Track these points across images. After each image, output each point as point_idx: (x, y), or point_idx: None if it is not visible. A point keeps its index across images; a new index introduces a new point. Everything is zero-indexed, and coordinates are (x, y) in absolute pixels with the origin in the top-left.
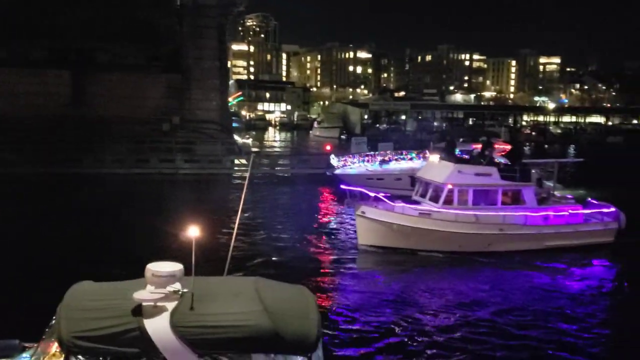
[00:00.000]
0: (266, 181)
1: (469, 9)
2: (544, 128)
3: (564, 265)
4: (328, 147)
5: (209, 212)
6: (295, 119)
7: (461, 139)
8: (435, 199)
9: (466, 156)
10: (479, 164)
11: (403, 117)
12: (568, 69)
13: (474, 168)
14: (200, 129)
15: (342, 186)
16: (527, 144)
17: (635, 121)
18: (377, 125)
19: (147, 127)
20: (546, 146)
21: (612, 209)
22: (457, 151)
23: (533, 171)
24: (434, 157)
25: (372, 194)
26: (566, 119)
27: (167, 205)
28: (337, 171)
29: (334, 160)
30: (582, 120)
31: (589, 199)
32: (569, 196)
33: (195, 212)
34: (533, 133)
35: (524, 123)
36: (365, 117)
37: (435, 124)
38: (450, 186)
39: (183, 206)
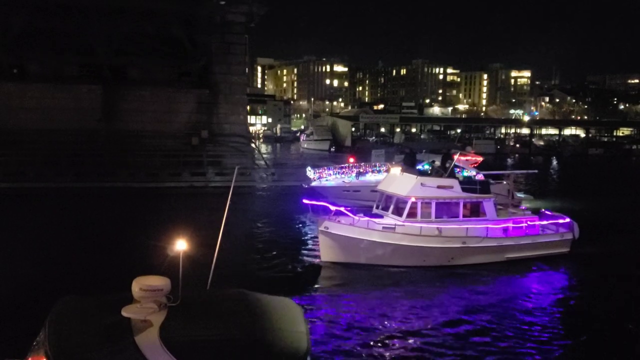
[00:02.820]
0: (249, 193)
1: (441, 24)
2: (528, 140)
3: (524, 278)
4: (352, 160)
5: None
6: (279, 132)
7: (423, 151)
8: (398, 212)
9: (423, 168)
10: (440, 176)
11: (392, 129)
12: (537, 83)
13: (436, 180)
14: (228, 143)
15: (305, 201)
16: (513, 155)
17: (613, 134)
18: (366, 137)
19: (178, 141)
20: (532, 158)
21: (567, 220)
22: (425, 165)
23: (504, 182)
24: (395, 170)
25: (333, 208)
26: (543, 131)
27: (196, 217)
28: (314, 183)
29: (310, 172)
30: (558, 133)
31: (543, 209)
32: (523, 207)
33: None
34: (517, 145)
35: (501, 135)
36: (353, 129)
37: (423, 136)
38: (413, 199)
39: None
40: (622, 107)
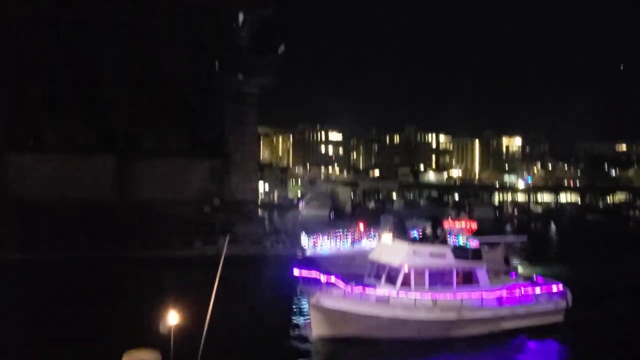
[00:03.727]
0: (260, 261)
1: (431, 92)
2: (526, 207)
3: (518, 350)
4: (362, 226)
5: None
6: (276, 199)
7: (414, 218)
8: (391, 280)
9: (416, 235)
10: (431, 243)
11: (389, 195)
12: (527, 149)
13: (428, 248)
14: (240, 210)
15: (295, 271)
16: (512, 221)
17: (608, 200)
18: (365, 204)
19: (190, 209)
20: (531, 224)
21: (560, 288)
22: (414, 233)
23: (500, 249)
24: (387, 237)
25: (324, 279)
26: (539, 197)
27: (200, 287)
28: (308, 252)
29: (304, 240)
30: (554, 199)
31: (536, 275)
32: (513, 275)
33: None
34: (515, 211)
35: (498, 201)
36: (352, 196)
37: (422, 202)
38: (406, 267)
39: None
40: (613, 173)
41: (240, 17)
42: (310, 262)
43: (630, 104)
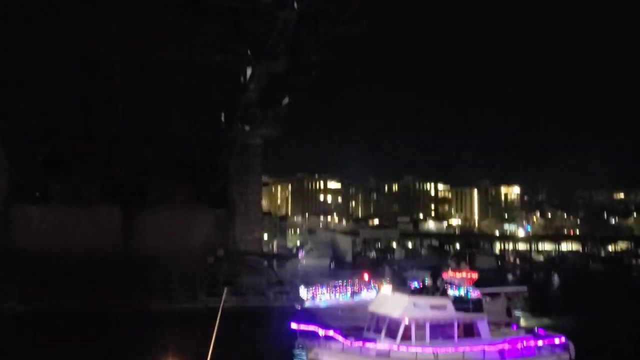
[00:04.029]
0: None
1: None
2: (528, 256)
3: None
4: (366, 276)
5: None
6: (275, 248)
7: (414, 269)
8: (391, 334)
9: (417, 286)
10: (432, 295)
11: (389, 244)
12: (526, 198)
13: (429, 300)
14: (243, 261)
15: (292, 325)
16: (514, 271)
17: (610, 248)
18: (366, 253)
19: (194, 260)
20: (534, 274)
21: (563, 340)
22: (414, 284)
23: (502, 299)
24: (387, 289)
25: (322, 332)
26: (540, 246)
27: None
28: (307, 304)
29: (303, 292)
30: (555, 247)
31: (538, 327)
32: (514, 326)
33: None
34: (518, 261)
35: (499, 250)
36: (353, 245)
37: (423, 252)
38: (407, 320)
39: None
40: (613, 221)
41: (248, 71)
42: (309, 315)
43: (627, 152)
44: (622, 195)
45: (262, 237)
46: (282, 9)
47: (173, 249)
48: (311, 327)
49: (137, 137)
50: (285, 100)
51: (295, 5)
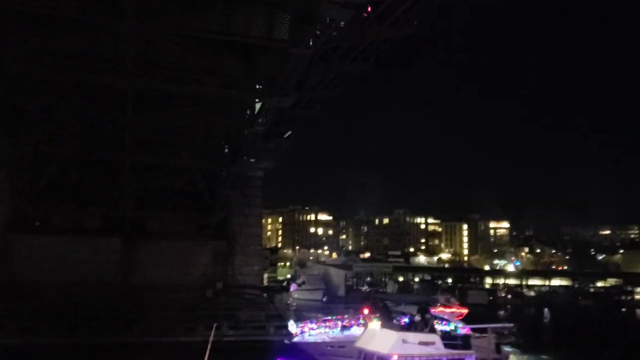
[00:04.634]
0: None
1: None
2: (519, 291)
3: None
4: (366, 311)
5: None
6: (266, 281)
7: (403, 304)
8: None
9: (404, 322)
10: (420, 331)
11: (380, 278)
12: (514, 233)
13: (417, 336)
14: (242, 295)
15: None
16: (505, 306)
17: (599, 284)
18: (359, 287)
19: (192, 293)
20: (525, 309)
21: None
22: (405, 319)
23: (491, 336)
24: (375, 324)
25: None
26: (530, 281)
27: None
28: (296, 338)
29: (292, 326)
30: (544, 283)
31: None
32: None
33: None
34: (509, 296)
35: (488, 285)
36: (345, 278)
37: (416, 286)
38: (395, 357)
39: None
40: (600, 257)
41: (257, 105)
42: (298, 350)
43: (613, 190)
44: (607, 232)
45: (261, 271)
46: (298, 47)
47: (172, 281)
48: None
49: (140, 167)
50: (287, 133)
51: (311, 42)
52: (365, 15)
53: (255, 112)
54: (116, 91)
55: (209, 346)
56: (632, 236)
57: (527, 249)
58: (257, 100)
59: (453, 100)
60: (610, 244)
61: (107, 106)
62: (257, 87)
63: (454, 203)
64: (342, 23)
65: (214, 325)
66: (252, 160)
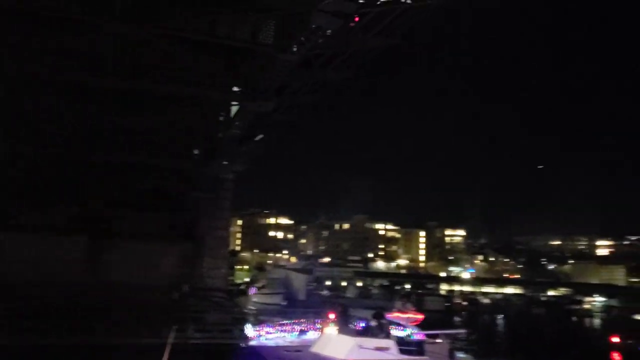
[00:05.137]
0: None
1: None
2: (475, 298)
3: None
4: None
5: None
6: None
7: (359, 309)
8: None
9: (360, 327)
10: (376, 336)
11: (343, 283)
12: (469, 241)
13: (373, 342)
14: (209, 297)
15: None
16: (461, 313)
17: (550, 293)
18: (320, 292)
19: (160, 295)
20: (481, 316)
21: None
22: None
23: (445, 341)
24: (331, 329)
25: None
26: (484, 288)
27: None
28: (252, 342)
29: (249, 329)
30: (498, 291)
31: None
32: None
33: None
34: (465, 303)
35: (443, 291)
36: (306, 283)
37: (375, 291)
38: None
39: None
40: (551, 267)
41: (234, 107)
42: (254, 354)
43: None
44: (558, 243)
45: (228, 274)
46: (284, 52)
47: (139, 281)
48: None
49: (111, 167)
50: (259, 137)
51: (295, 48)
52: (352, 24)
53: (232, 115)
54: (94, 90)
55: (168, 348)
56: (581, 247)
57: (481, 257)
58: (234, 103)
59: (426, 106)
60: (560, 254)
61: (84, 105)
62: (238, 90)
63: (414, 210)
64: (329, 31)
65: (174, 328)
66: (225, 162)
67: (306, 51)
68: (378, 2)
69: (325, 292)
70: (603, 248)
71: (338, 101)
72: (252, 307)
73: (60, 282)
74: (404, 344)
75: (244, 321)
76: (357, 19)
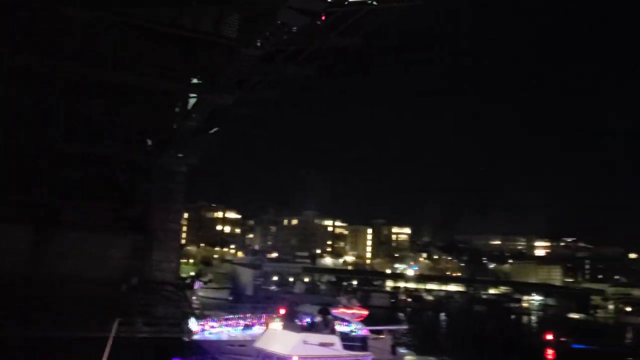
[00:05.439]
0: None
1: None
2: (419, 295)
3: None
4: (282, 311)
5: None
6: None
7: (306, 304)
8: None
9: (306, 322)
10: (321, 332)
11: (291, 279)
12: (413, 240)
13: (318, 337)
14: (159, 291)
15: None
16: (406, 309)
17: (491, 291)
18: (267, 287)
19: (107, 287)
20: (425, 313)
21: None
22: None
23: (388, 337)
24: (276, 325)
25: None
26: (428, 286)
27: None
28: (196, 336)
29: (192, 324)
30: (441, 288)
31: None
32: None
33: None
34: (409, 299)
35: (389, 288)
36: (253, 278)
37: (322, 287)
38: (296, 358)
39: None
40: (491, 266)
41: (191, 100)
42: (198, 348)
43: (500, 202)
44: (498, 242)
45: (178, 268)
46: (247, 47)
47: (87, 273)
48: None
49: (59, 154)
50: (214, 129)
51: (259, 43)
52: (318, 23)
53: (189, 107)
54: (45, 76)
55: (110, 341)
56: (519, 247)
57: (425, 255)
58: (192, 95)
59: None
60: (500, 253)
61: (30, 92)
62: (198, 82)
63: (362, 208)
64: (295, 28)
65: (117, 320)
66: (180, 155)
67: (270, 46)
68: (346, 2)
69: (273, 288)
70: (540, 249)
71: (306, 98)
72: (197, 302)
73: (1, 273)
74: (348, 340)
75: (194, 315)
76: (323, 17)
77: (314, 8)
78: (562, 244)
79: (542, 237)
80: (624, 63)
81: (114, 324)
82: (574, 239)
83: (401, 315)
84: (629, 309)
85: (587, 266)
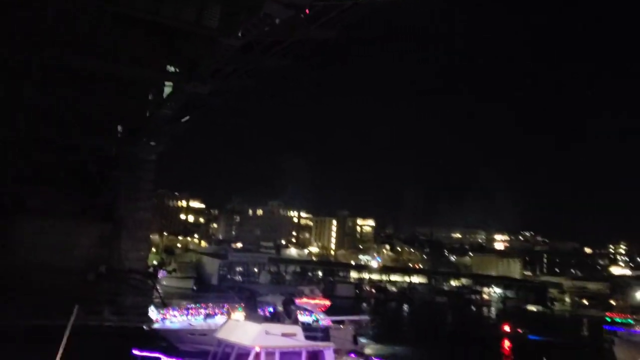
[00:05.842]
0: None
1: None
2: (383, 286)
3: None
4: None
5: None
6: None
7: (269, 295)
8: None
9: (268, 312)
10: (284, 322)
11: (256, 269)
12: (377, 231)
13: (280, 328)
14: (127, 280)
15: (135, 352)
16: (370, 300)
17: (452, 283)
18: (233, 277)
19: (74, 276)
20: (389, 303)
21: None
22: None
23: (349, 327)
24: (238, 315)
25: None
26: (391, 277)
27: None
28: (156, 325)
29: (153, 313)
30: (404, 279)
31: (374, 357)
32: (352, 354)
33: None
34: (373, 290)
35: (353, 279)
36: (219, 268)
37: (288, 277)
38: (257, 349)
39: None
40: (452, 258)
41: (166, 88)
42: (158, 337)
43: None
44: (458, 235)
45: (147, 257)
46: (229, 37)
47: (53, 262)
48: (154, 354)
49: (26, 141)
50: (186, 118)
51: (240, 34)
52: (302, 16)
53: (164, 95)
54: (15, 62)
55: (68, 329)
56: (480, 240)
57: (388, 247)
58: (167, 83)
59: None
60: (461, 246)
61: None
62: (175, 70)
63: (327, 199)
64: (278, 20)
65: (75, 308)
66: (152, 143)
67: (252, 37)
68: None
69: (237, 278)
70: (500, 242)
71: (284, 88)
72: (161, 291)
73: None
74: (310, 330)
75: (162, 305)
76: (307, 11)
77: (300, 2)
78: (521, 237)
79: (501, 231)
80: (618, 62)
81: (73, 312)
82: (532, 233)
83: (365, 305)
84: (585, 302)
85: (544, 260)
